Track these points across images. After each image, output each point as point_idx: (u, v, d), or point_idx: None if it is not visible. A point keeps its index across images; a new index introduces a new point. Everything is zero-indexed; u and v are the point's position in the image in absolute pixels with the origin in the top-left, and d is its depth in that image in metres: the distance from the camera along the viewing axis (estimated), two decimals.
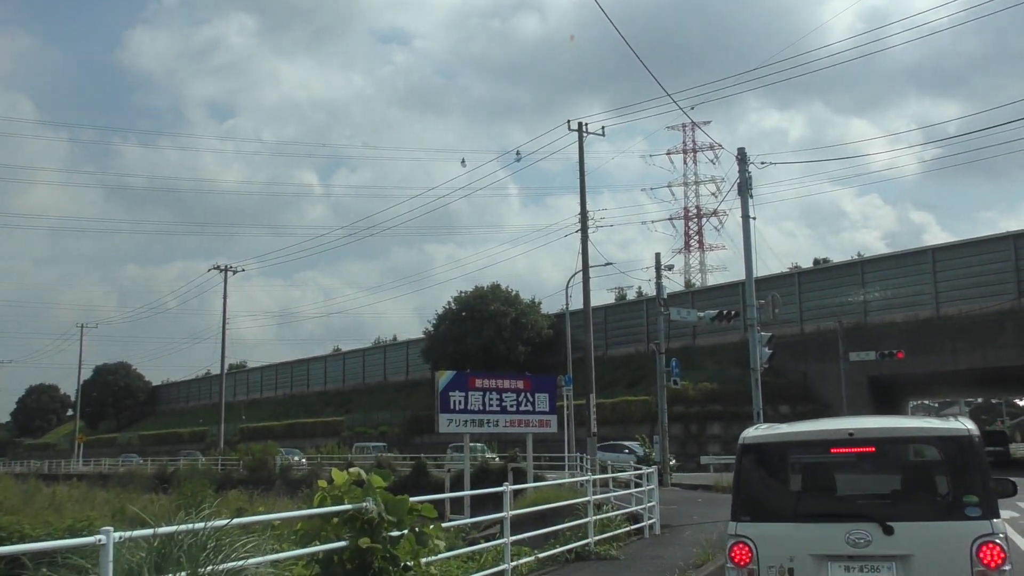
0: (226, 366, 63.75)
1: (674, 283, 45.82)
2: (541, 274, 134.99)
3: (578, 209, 33.80)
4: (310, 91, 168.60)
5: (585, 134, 34.08)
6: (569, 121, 34.16)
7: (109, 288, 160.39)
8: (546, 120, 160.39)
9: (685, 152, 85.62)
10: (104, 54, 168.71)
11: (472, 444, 38.92)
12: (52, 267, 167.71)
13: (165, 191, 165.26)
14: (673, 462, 37.08)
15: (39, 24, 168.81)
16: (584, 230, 33.21)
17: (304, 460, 45.90)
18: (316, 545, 6.68)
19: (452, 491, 25.22)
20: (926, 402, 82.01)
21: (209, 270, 61.56)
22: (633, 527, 15.03)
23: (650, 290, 49.49)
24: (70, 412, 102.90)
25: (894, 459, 6.54)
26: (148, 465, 54.50)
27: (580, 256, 33.48)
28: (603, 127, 35.21)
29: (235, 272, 60.87)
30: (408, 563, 6.83)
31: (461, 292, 60.96)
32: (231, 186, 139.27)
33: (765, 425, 7.29)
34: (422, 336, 65.64)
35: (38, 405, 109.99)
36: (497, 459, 34.52)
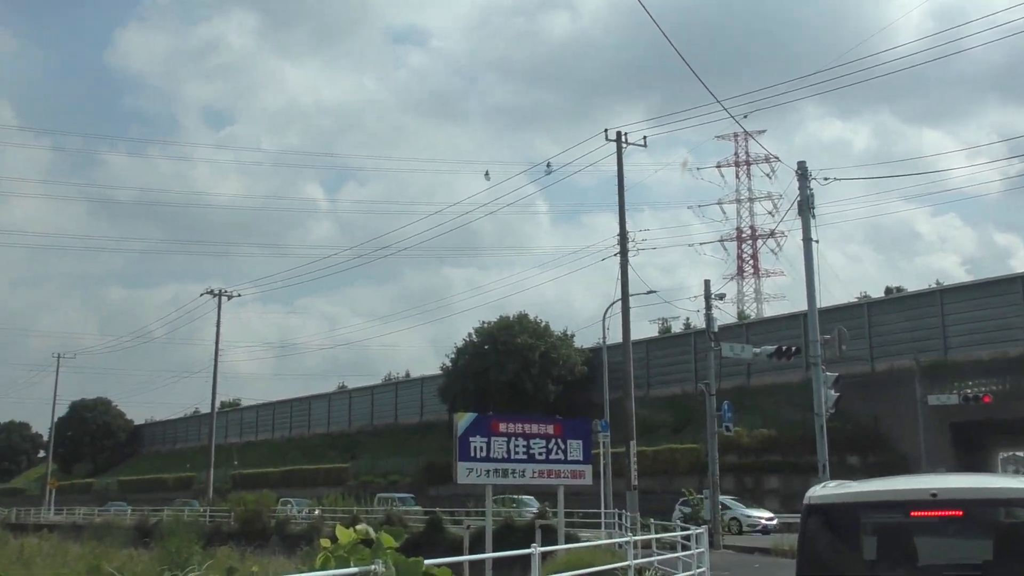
0: (217, 404, 64.18)
1: (726, 314, 45.62)
2: (574, 303, 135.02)
3: (616, 229, 33.85)
4: (317, 96, 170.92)
5: (624, 145, 34.18)
6: (607, 130, 34.27)
7: (90, 313, 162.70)
8: (579, 128, 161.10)
9: (737, 165, 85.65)
10: (92, 55, 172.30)
11: (517, 496, 38.84)
12: (29, 289, 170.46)
13: (155, 205, 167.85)
14: (773, 521, 35.88)
15: (21, 22, 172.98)
16: (624, 253, 33.18)
17: (318, 511, 45.72)
18: None
19: (472, 551, 25.07)
20: (1019, 454, 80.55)
21: (201, 295, 62.09)
22: None
23: (698, 322, 49.35)
24: (42, 453, 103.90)
25: (985, 523, 6.40)
26: (128, 516, 54.75)
27: (619, 283, 33.47)
28: (644, 137, 35.36)
29: (230, 297, 61.53)
30: None
31: (483, 322, 61.04)
32: (227, 200, 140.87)
33: (834, 482, 7.19)
34: (439, 372, 65.67)
35: (7, 444, 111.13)
36: (549, 511, 33.83)
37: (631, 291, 33.97)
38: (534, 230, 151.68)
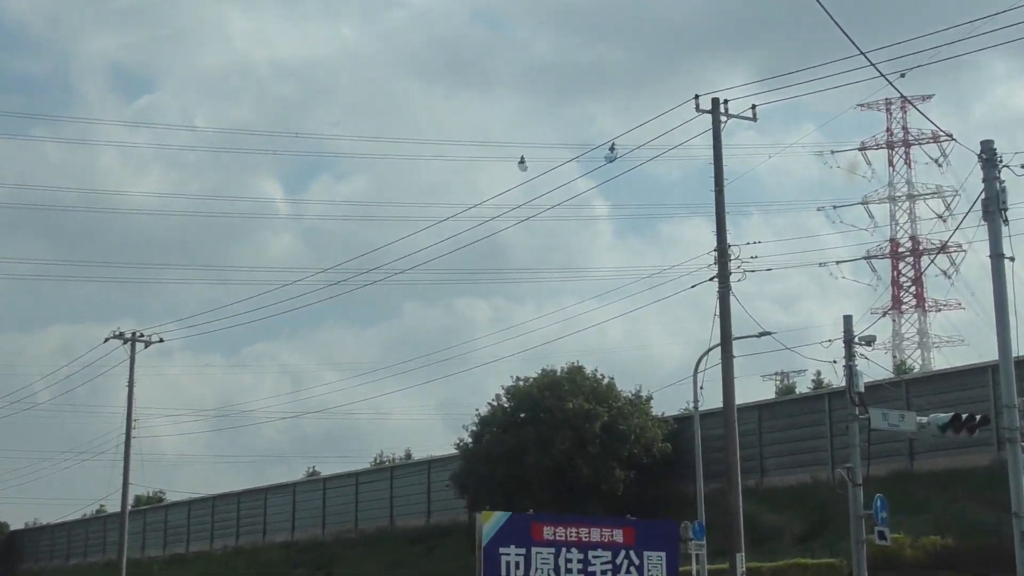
0: (131, 499, 64.45)
1: (876, 366, 45.28)
2: (651, 350, 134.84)
3: (712, 242, 33.86)
4: (273, 51, 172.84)
5: (724, 118, 34.22)
6: (698, 97, 34.28)
7: None
8: (655, 96, 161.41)
9: (891, 147, 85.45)
10: None
11: None
12: None
13: (40, 209, 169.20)
14: None
15: None
16: (724, 277, 33.19)
17: None
18: None
19: None
20: None
21: (107, 339, 62.51)
22: None
23: (835, 378, 48.91)
24: None
25: None
26: None
27: (716, 321, 33.41)
28: (753, 106, 35.34)
29: (148, 343, 61.89)
30: None
31: (518, 379, 61.01)
32: (145, 202, 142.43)
33: None
34: (453, 452, 65.79)
35: None
36: None
37: (735, 333, 33.89)
38: (590, 243, 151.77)
